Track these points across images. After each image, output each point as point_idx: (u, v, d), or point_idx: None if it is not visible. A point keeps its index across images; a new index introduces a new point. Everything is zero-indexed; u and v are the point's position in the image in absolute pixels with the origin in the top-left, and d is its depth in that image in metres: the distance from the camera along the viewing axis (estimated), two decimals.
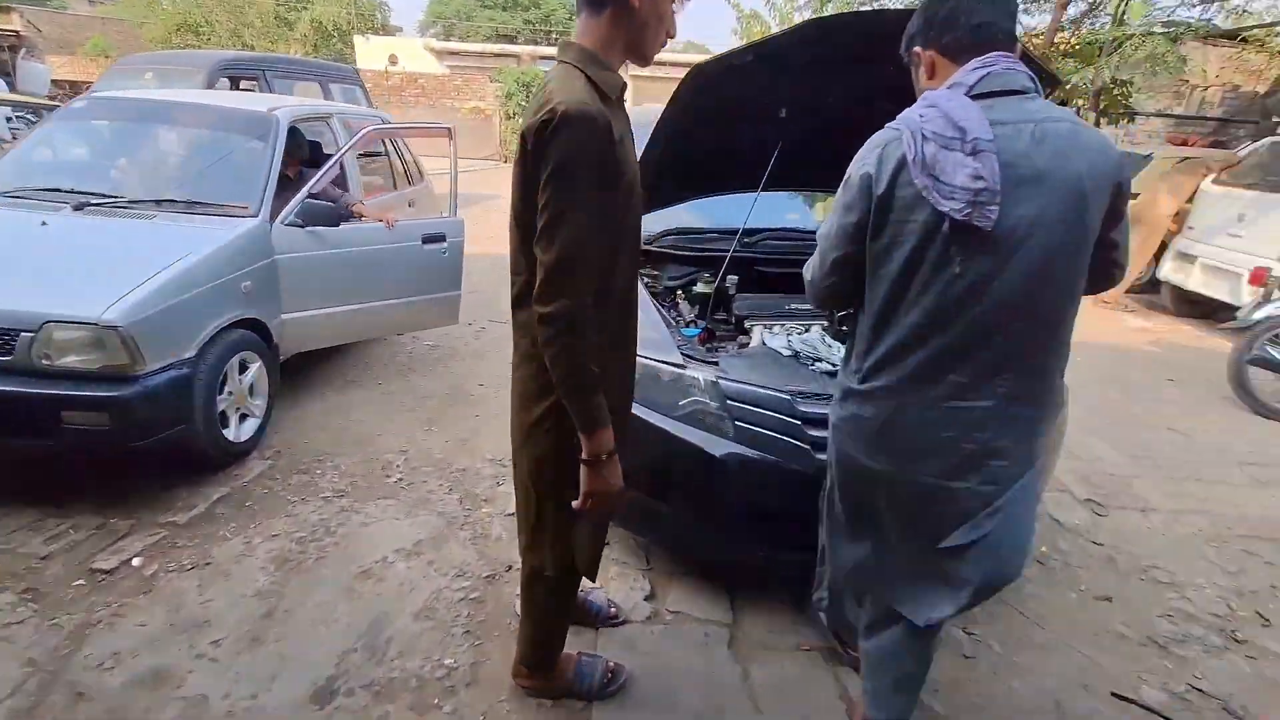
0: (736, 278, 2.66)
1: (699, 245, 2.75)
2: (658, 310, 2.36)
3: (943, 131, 1.20)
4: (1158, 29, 8.54)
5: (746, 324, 2.42)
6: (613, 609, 2.12)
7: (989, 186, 1.17)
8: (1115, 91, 9.33)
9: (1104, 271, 1.37)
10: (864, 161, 1.28)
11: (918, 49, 1.36)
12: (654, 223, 2.75)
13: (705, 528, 2.08)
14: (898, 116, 1.29)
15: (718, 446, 1.94)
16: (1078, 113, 9.70)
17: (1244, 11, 9.94)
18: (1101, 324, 6.20)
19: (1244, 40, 10.46)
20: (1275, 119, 9.98)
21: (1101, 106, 9.06)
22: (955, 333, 1.26)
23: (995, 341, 1.27)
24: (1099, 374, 4.70)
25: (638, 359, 1.54)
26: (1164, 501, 3.08)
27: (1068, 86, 9.77)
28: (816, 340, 2.18)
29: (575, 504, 1.35)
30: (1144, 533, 2.85)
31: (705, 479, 1.98)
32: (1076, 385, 4.49)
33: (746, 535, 2.02)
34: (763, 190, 2.57)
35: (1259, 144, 6.29)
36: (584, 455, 1.30)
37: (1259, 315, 4.01)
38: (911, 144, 1.21)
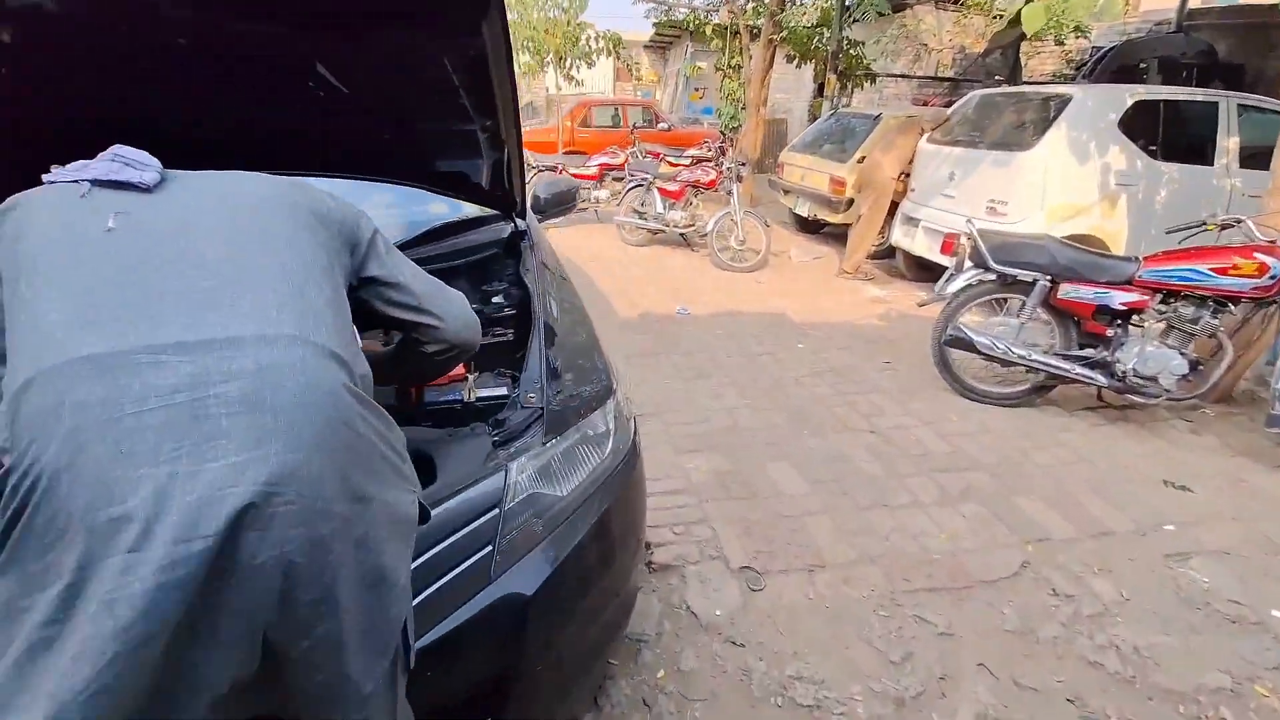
0: None
1: None
2: None
3: None
4: None
5: None
6: None
7: None
8: (851, 53, 9.32)
9: None
10: None
11: None
12: None
13: None
14: None
15: None
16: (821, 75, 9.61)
17: None
18: (842, 296, 5.87)
19: (964, 4, 10.99)
20: (997, 77, 10.56)
21: (840, 69, 8.97)
22: None
23: None
24: (819, 365, 4.20)
25: None
26: (838, 549, 2.44)
27: (813, 48, 9.66)
28: None
29: None
30: (803, 609, 2.17)
31: None
32: (790, 382, 3.98)
33: None
34: None
35: (965, 99, 6.22)
36: None
37: (952, 289, 3.59)
38: None
